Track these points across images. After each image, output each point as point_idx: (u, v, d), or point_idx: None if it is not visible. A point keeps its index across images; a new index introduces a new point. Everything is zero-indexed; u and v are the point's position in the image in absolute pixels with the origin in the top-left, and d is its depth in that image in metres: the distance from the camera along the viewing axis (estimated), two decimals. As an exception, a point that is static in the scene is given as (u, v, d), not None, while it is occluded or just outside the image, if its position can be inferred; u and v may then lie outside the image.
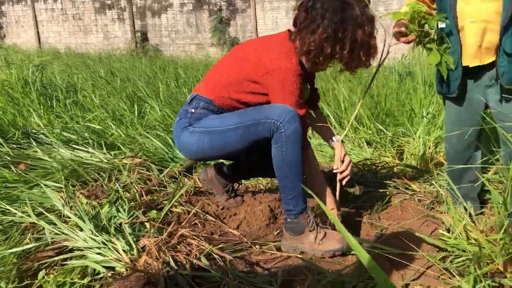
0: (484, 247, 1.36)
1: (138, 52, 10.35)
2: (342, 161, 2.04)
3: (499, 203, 1.49)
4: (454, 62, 1.81)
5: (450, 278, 1.50)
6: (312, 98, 2.19)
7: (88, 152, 2.75)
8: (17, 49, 11.49)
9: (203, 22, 10.14)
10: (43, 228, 1.83)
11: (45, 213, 1.90)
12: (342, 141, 2.13)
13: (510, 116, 1.78)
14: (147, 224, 1.82)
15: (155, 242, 1.62)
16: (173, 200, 1.99)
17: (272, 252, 1.82)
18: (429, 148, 3.23)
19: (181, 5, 10.30)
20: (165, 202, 2.21)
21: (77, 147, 2.83)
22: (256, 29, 9.39)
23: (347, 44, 1.72)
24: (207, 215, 2.14)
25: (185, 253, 1.63)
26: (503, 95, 1.82)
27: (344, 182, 2.04)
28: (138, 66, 6.55)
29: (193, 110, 1.92)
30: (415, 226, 2.02)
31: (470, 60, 1.82)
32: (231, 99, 1.90)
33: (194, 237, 1.76)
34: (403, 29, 1.77)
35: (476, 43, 1.78)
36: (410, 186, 2.60)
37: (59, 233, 1.78)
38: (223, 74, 1.91)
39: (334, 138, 2.14)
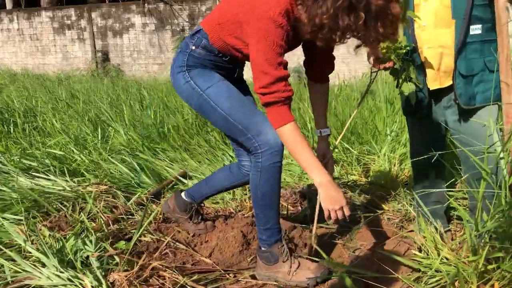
0: (458, 268, 1.38)
1: (99, 73, 10.14)
2: (326, 162, 1.94)
3: (468, 223, 1.52)
4: (420, 85, 1.88)
5: (426, 299, 1.51)
6: (322, 66, 1.94)
7: (49, 180, 2.63)
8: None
9: (166, 42, 10.09)
10: (2, 266, 1.72)
11: (4, 248, 1.78)
12: (329, 135, 2.01)
13: (467, 136, 1.84)
14: (116, 257, 1.74)
15: (125, 276, 1.55)
16: (141, 230, 1.92)
17: (247, 280, 1.78)
18: (394, 165, 3.29)
19: (143, 25, 10.22)
20: (133, 231, 2.13)
21: (37, 175, 2.70)
22: (220, 48, 9.43)
23: (360, 12, 1.38)
24: (177, 243, 2.07)
25: (158, 286, 1.57)
26: (461, 115, 1.89)
27: None
28: (100, 87, 6.40)
29: (193, 47, 1.79)
30: (388, 246, 2.04)
31: (431, 83, 1.89)
32: (226, 43, 1.75)
33: (166, 268, 1.69)
34: (379, 55, 1.80)
35: (435, 67, 1.85)
36: (379, 205, 2.64)
37: (20, 270, 1.67)
38: (221, 12, 1.75)
39: (323, 130, 2.00)
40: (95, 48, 10.65)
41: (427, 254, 1.71)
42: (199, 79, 1.78)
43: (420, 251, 1.83)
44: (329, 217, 1.67)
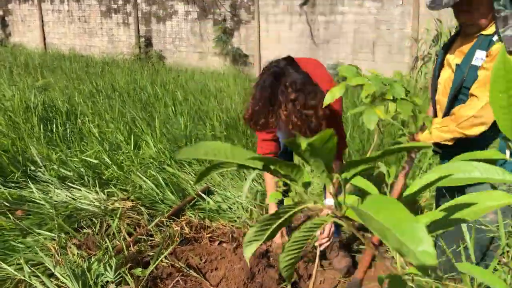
0: None
1: (141, 58, 10.47)
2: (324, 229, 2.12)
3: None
4: None
5: None
6: None
7: (82, 192, 2.88)
8: (21, 49, 11.62)
9: (207, 31, 10.24)
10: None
11: (35, 271, 2.03)
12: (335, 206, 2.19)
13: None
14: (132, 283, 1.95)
15: (135, 311, 1.76)
16: (159, 260, 2.12)
17: (245, 317, 1.95)
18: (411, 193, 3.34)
19: (186, 13, 10.39)
20: (151, 254, 2.34)
21: (72, 185, 2.96)
22: (259, 41, 9.49)
23: None
24: (190, 270, 2.27)
25: (163, 323, 1.77)
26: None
27: (321, 248, 2.16)
28: (140, 79, 6.66)
29: None
30: (383, 293, 2.15)
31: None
32: None
33: (173, 303, 1.89)
34: None
35: None
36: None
37: (48, 292, 1.92)
38: None
39: (326, 201, 2.18)
40: (138, 33, 10.96)
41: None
42: None
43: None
44: None
